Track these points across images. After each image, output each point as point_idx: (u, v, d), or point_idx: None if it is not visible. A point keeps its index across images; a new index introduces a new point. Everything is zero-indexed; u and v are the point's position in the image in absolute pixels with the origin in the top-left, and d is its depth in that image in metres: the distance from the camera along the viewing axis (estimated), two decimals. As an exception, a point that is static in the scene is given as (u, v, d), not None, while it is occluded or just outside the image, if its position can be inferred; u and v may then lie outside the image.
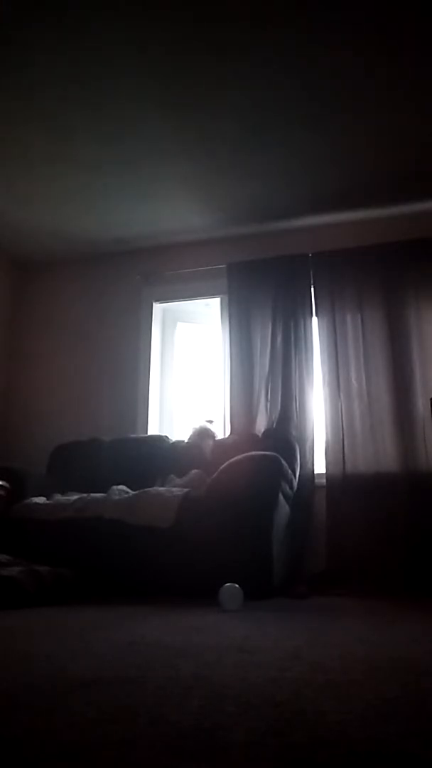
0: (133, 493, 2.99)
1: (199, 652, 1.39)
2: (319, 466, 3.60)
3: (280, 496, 2.95)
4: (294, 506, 3.21)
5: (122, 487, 3.13)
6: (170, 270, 4.26)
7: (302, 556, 3.31)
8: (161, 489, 2.99)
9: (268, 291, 3.93)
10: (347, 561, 3.28)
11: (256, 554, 2.66)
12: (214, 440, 3.60)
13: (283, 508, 3.01)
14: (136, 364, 4.25)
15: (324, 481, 3.54)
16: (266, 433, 3.58)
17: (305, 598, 2.73)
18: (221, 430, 3.86)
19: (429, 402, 3.34)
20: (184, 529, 2.73)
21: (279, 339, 3.82)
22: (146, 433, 4.06)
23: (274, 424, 3.65)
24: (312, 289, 3.87)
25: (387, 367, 3.59)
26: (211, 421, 3.79)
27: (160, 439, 3.78)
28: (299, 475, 3.36)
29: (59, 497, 3.20)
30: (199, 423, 3.72)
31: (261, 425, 3.71)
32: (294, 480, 3.25)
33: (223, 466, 2.91)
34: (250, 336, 3.92)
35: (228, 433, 3.78)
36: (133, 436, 3.92)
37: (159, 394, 4.29)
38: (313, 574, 3.24)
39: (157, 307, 4.36)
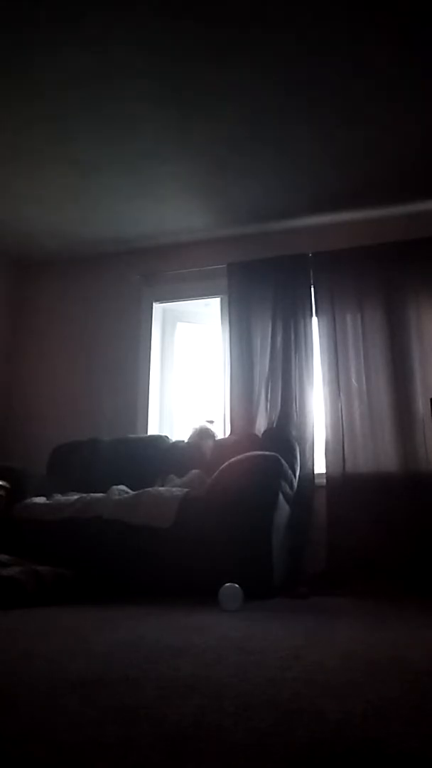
0: (133, 493, 2.99)
1: (199, 652, 1.39)
2: (319, 466, 3.60)
3: (280, 496, 2.95)
4: (294, 506, 3.21)
5: (122, 487, 3.13)
6: (170, 270, 4.26)
7: (302, 556, 3.31)
8: (161, 489, 2.99)
9: (268, 291, 3.92)
10: (347, 561, 3.28)
11: (256, 554, 2.66)
12: (214, 440, 3.60)
13: (283, 508, 3.01)
14: (136, 364, 4.25)
15: (324, 480, 3.53)
16: (266, 433, 3.58)
17: (305, 598, 2.72)
18: (221, 430, 3.86)
19: (429, 402, 3.34)
20: (184, 529, 2.73)
21: (279, 339, 3.82)
22: (146, 433, 4.06)
23: (274, 424, 3.64)
24: (312, 289, 3.87)
25: (387, 367, 3.58)
26: (211, 421, 3.79)
27: (160, 439, 3.78)
28: (299, 475, 3.36)
29: (59, 497, 3.20)
30: (199, 423, 3.72)
31: (261, 425, 3.70)
32: (294, 480, 3.25)
33: (223, 466, 2.91)
34: (250, 336, 3.91)
35: (228, 433, 3.78)
36: (132, 436, 3.92)
37: (159, 394, 4.28)
38: (313, 574, 3.24)
39: (157, 307, 4.36)
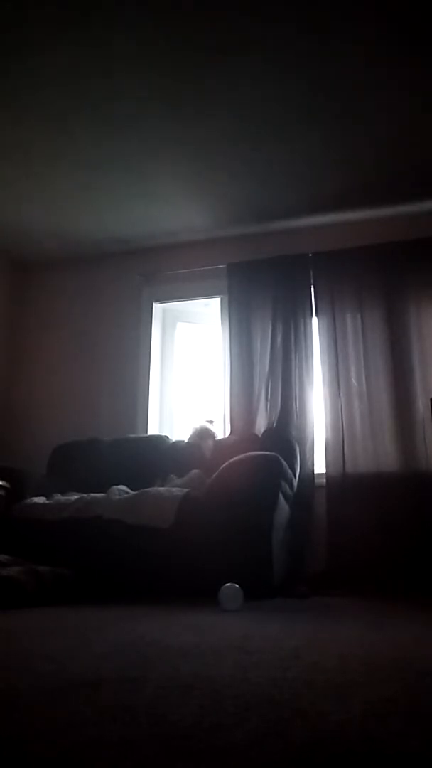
0: (133, 493, 2.99)
1: (199, 652, 1.39)
2: (319, 466, 3.60)
3: (280, 496, 2.94)
4: (294, 506, 3.21)
5: (122, 487, 3.13)
6: (170, 270, 4.26)
7: (302, 556, 3.31)
8: (161, 489, 2.99)
9: (268, 291, 3.92)
10: (347, 561, 3.28)
11: (256, 554, 2.66)
12: (214, 440, 3.60)
13: (283, 508, 3.01)
14: (136, 364, 4.25)
15: (324, 481, 3.53)
16: (266, 433, 3.58)
17: (305, 598, 2.72)
18: (221, 430, 3.86)
19: (429, 402, 3.34)
20: (184, 529, 2.73)
21: (279, 339, 3.82)
22: (146, 433, 4.06)
23: (274, 424, 3.64)
24: (312, 289, 3.87)
25: (387, 367, 3.58)
26: (211, 421, 3.79)
27: (160, 439, 3.78)
28: (299, 475, 3.36)
29: (59, 497, 3.20)
30: (200, 423, 3.72)
31: (261, 425, 3.70)
32: (294, 480, 3.25)
33: (223, 466, 2.91)
34: (250, 336, 3.91)
35: (228, 433, 3.78)
36: (133, 436, 3.92)
37: (159, 394, 4.28)
38: (313, 574, 3.24)
39: (157, 307, 4.36)
